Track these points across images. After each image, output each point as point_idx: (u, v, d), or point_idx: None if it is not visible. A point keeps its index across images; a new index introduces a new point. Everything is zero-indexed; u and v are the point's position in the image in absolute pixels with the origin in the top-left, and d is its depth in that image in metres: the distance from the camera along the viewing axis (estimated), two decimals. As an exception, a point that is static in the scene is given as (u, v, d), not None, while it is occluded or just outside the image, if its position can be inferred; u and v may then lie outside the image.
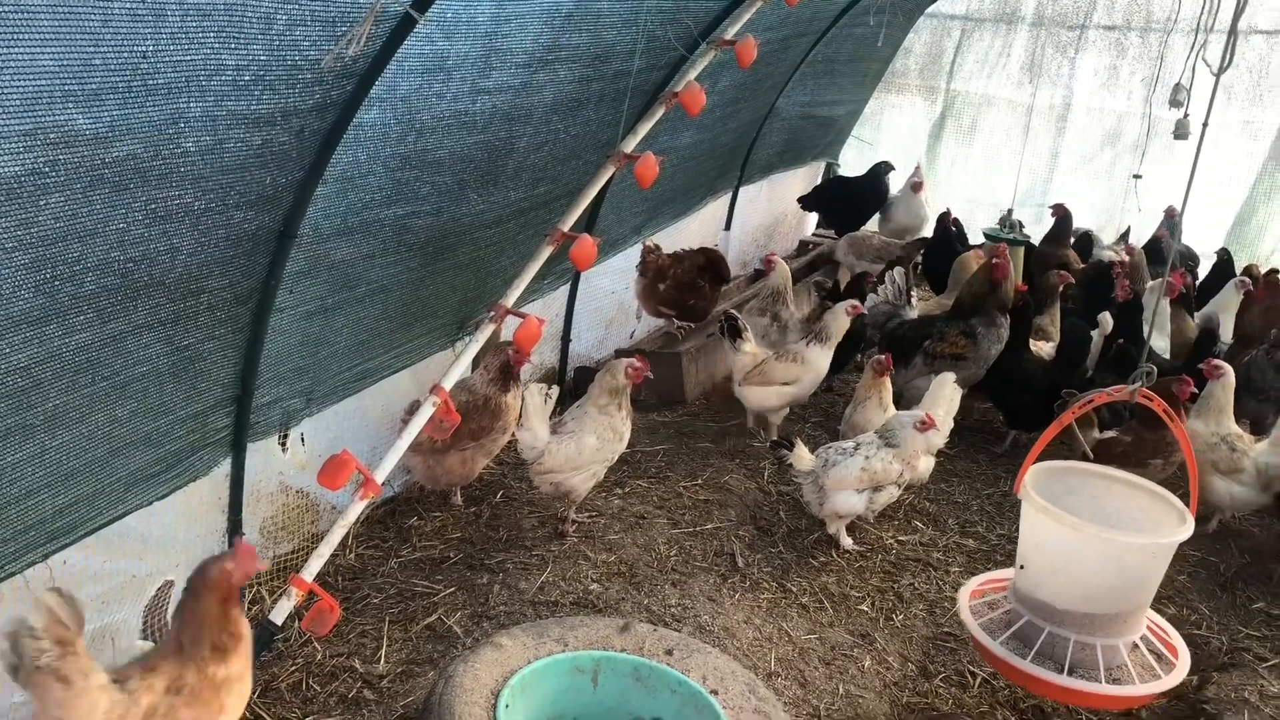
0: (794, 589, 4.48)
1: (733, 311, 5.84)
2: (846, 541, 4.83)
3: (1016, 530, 5.06)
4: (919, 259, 8.47)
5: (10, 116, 2.20)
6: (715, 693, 3.26)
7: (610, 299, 6.63)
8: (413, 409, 4.29)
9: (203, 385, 3.47)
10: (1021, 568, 3.56)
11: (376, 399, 4.57)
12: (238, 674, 2.72)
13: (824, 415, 6.34)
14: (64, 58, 2.22)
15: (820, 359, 5.69)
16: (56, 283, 2.61)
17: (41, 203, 2.41)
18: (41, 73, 2.20)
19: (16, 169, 2.29)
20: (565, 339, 6.22)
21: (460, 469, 4.73)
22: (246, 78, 2.74)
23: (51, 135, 2.33)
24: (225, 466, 3.81)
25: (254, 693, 3.56)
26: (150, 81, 2.45)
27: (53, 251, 2.54)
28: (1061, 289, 6.87)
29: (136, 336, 3.03)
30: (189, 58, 2.51)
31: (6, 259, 2.42)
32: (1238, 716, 3.79)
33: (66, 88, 2.27)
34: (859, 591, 4.56)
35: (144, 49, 2.36)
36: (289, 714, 3.49)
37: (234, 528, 3.87)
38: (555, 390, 4.65)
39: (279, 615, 3.54)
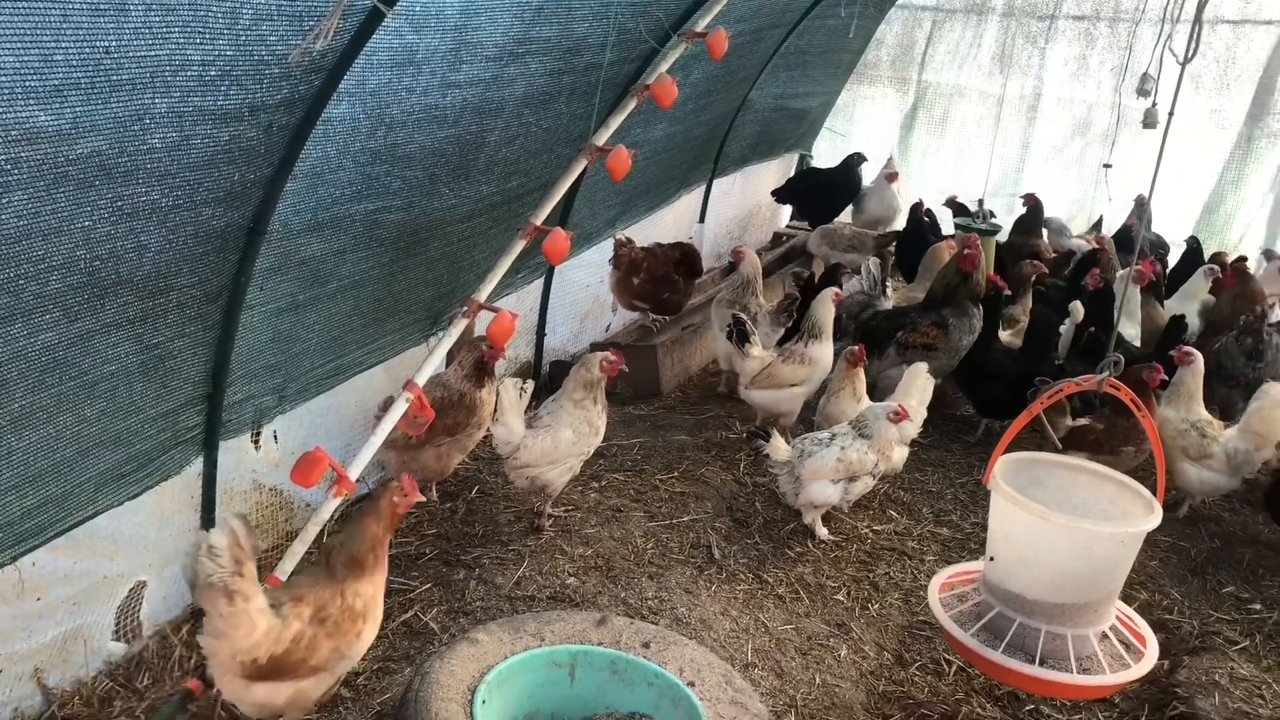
0: (770, 580, 4.49)
1: (740, 315, 5.79)
2: (822, 532, 4.86)
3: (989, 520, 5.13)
4: (893, 249, 8.51)
5: (-30, 113, 2.18)
6: (692, 684, 3.27)
7: (585, 292, 6.62)
8: (386, 405, 4.26)
9: (173, 383, 3.44)
10: (991, 559, 3.58)
11: (350, 395, 4.55)
12: (372, 597, 3.13)
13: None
14: (24, 54, 2.19)
15: (824, 354, 5.66)
16: (21, 281, 2.58)
17: (4, 200, 2.38)
18: (0, 69, 2.17)
19: (-22, 167, 2.26)
20: (540, 333, 6.20)
21: (435, 465, 4.71)
22: (213, 73, 2.71)
23: (13, 132, 2.30)
24: (197, 465, 3.78)
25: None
26: (114, 77, 2.43)
27: (17, 250, 2.51)
28: (1034, 278, 6.92)
29: (104, 335, 3.00)
30: (153, 53, 2.48)
31: (-31, 258, 2.39)
32: (1208, 699, 3.84)
33: (27, 84, 2.25)
34: (835, 581, 4.58)
35: (106, 44, 2.33)
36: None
37: (207, 526, 3.84)
38: (530, 385, 4.63)
39: (253, 614, 3.51)
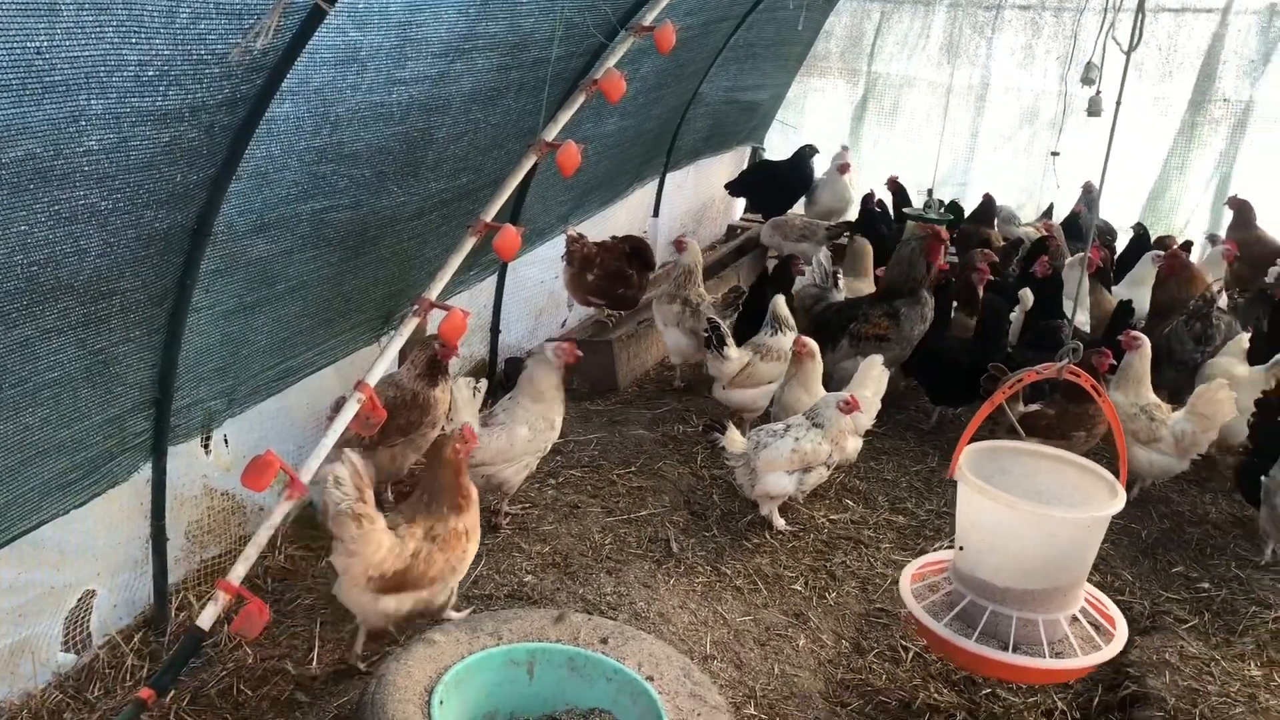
0: (728, 571, 4.51)
1: (714, 319, 5.75)
2: (779, 522, 4.88)
3: (946, 506, 5.19)
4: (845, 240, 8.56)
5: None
6: (651, 679, 3.28)
7: (540, 288, 6.60)
8: (338, 406, 4.22)
9: (119, 389, 3.39)
10: (961, 549, 3.62)
11: (301, 397, 4.50)
12: (472, 525, 3.72)
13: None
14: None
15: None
16: (-45, 289, 2.53)
17: (-66, 206, 2.33)
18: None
19: (-95, 172, 2.21)
20: (494, 330, 6.17)
21: (390, 465, 4.68)
22: (150, 73, 2.67)
23: (-59, 136, 2.25)
24: (146, 471, 3.72)
25: (182, 700, 3.51)
26: (46, 78, 2.38)
27: (-51, 256, 2.46)
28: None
29: (45, 341, 2.94)
30: (87, 53, 2.43)
31: (-101, 265, 2.33)
32: (1159, 678, 3.90)
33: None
34: (792, 571, 4.60)
35: (37, 45, 2.28)
36: (219, 720, 3.43)
37: (158, 533, 3.79)
38: (484, 383, 4.61)
39: (206, 620, 3.46)
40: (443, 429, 4.64)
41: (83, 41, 2.40)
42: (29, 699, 3.41)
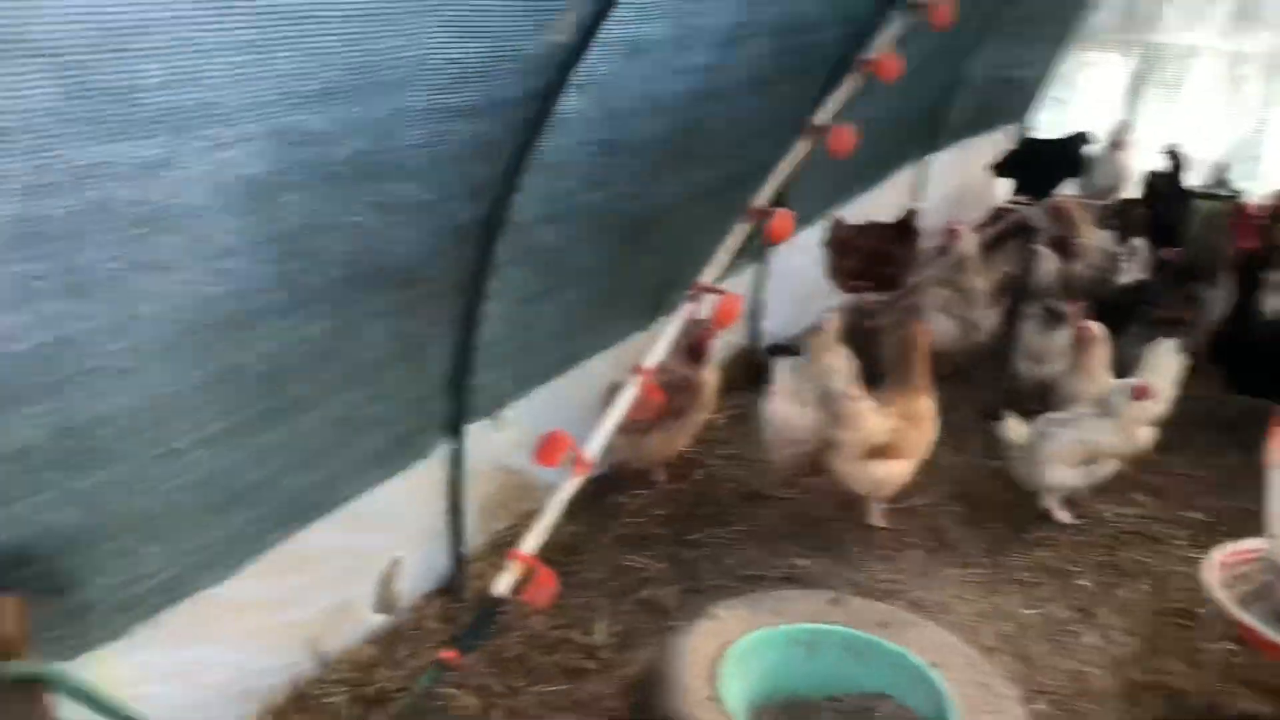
0: (1008, 564, 4.35)
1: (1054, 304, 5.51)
2: (1062, 515, 4.66)
3: (1248, 502, 4.78)
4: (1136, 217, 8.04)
5: (257, 120, 2.37)
6: (935, 665, 3.22)
7: (802, 275, 6.57)
8: (614, 390, 4.39)
9: (424, 370, 3.65)
10: (1275, 536, 3.35)
11: (580, 381, 4.68)
12: (929, 409, 4.48)
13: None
14: (301, 60, 2.37)
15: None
16: (299, 275, 2.80)
17: (283, 200, 2.59)
18: (281, 75, 2.36)
19: (263, 168, 2.47)
20: (755, 318, 6.20)
21: (662, 447, 4.81)
22: (458, 70, 2.86)
23: (290, 136, 2.49)
24: (445, 448, 3.98)
25: (480, 663, 3.73)
26: (375, 79, 2.59)
27: (295, 246, 2.73)
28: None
29: (368, 325, 3.21)
30: (409, 54, 2.64)
31: (255, 253, 2.61)
32: None
33: (304, 88, 2.43)
34: (1077, 566, 4.38)
35: (372, 47, 2.49)
36: (516, 683, 3.63)
37: (455, 506, 4.05)
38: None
39: (502, 589, 3.68)
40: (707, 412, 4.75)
41: (405, 42, 2.60)
42: (347, 652, 3.72)
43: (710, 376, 4.80)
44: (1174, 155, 8.60)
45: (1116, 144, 8.83)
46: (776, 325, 6.45)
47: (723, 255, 4.02)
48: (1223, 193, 7.53)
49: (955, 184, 8.88)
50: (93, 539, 2.58)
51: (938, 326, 6.14)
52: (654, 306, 5.01)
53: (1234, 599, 3.35)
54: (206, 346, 2.63)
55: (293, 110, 2.44)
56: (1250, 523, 4.54)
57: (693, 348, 4.72)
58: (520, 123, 3.31)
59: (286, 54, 2.31)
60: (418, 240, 3.24)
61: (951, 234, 6.30)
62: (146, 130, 2.13)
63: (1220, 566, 3.51)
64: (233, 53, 2.19)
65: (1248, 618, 3.28)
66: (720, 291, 3.97)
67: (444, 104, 2.89)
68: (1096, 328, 5.12)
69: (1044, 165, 9.03)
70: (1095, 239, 6.52)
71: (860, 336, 5.92)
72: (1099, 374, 5.08)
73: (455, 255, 3.49)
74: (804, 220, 6.21)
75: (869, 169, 6.91)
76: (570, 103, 3.46)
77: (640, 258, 4.57)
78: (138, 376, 2.48)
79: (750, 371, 6.19)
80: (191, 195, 2.31)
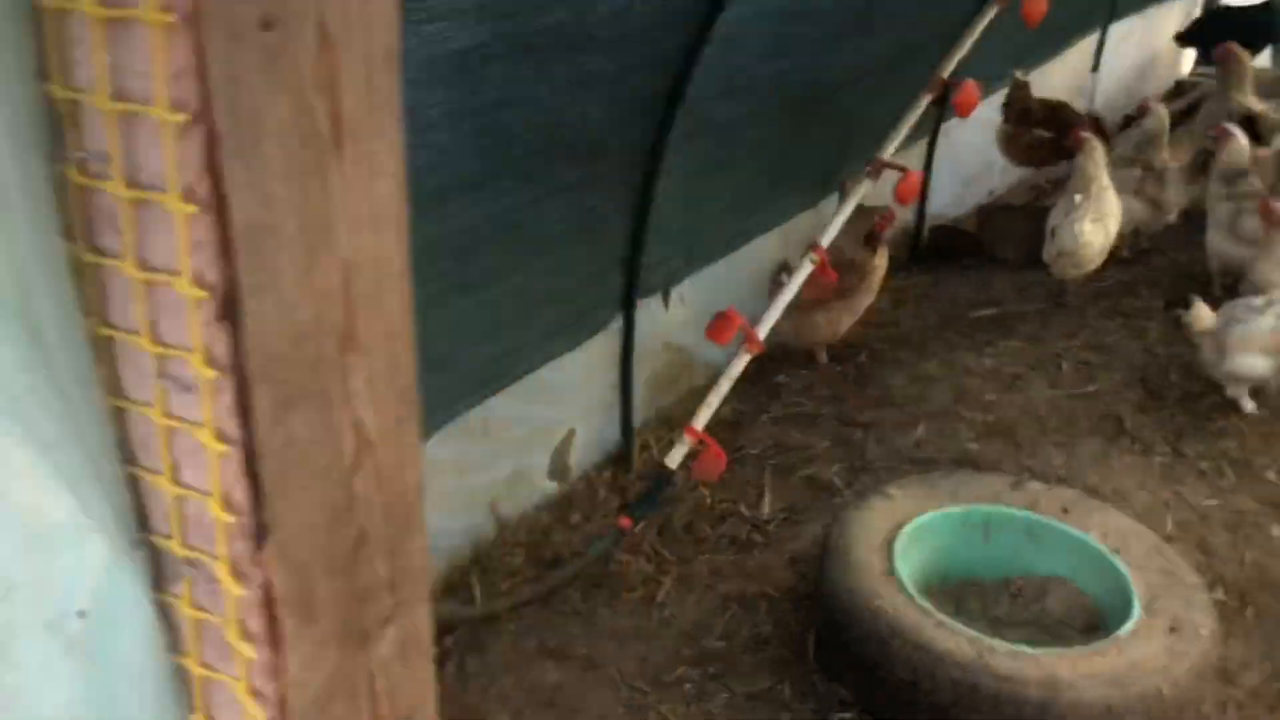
0: (1190, 453, 4.21)
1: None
2: (1249, 405, 4.45)
3: None
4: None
5: (462, -8, 2.38)
6: (1116, 551, 3.17)
7: (972, 153, 6.33)
8: (783, 268, 4.36)
9: (602, 245, 3.69)
10: None
11: (747, 259, 4.67)
12: None
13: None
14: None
15: None
16: (492, 148, 2.84)
17: (485, 72, 2.61)
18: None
19: (466, 42, 2.48)
20: (922, 196, 6.02)
21: (827, 328, 4.77)
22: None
23: (494, 8, 2.50)
24: (617, 323, 4.04)
25: (651, 531, 3.84)
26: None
27: (490, 119, 2.76)
28: None
29: (551, 199, 3.25)
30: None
31: (457, 126, 2.65)
32: None
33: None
34: (1265, 458, 4.20)
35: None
36: (686, 552, 3.74)
37: (626, 380, 4.13)
38: None
39: (674, 460, 3.78)
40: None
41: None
42: (525, 517, 3.89)
43: (882, 261, 4.71)
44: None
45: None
46: (940, 205, 6.26)
47: (903, 129, 3.89)
48: None
49: (1136, 56, 8.35)
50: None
51: (1126, 207, 5.86)
52: (823, 184, 4.92)
53: None
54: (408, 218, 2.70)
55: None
56: None
57: (870, 233, 4.63)
58: (706, -8, 3.24)
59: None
60: (602, 114, 3.23)
61: (1141, 108, 5.94)
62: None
63: None
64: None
65: None
66: (901, 168, 3.86)
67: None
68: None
69: (1234, 34, 8.38)
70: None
71: (1034, 215, 5.71)
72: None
73: (636, 130, 3.48)
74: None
75: (1045, 39, 6.53)
76: (753, -31, 3.37)
77: (814, 133, 4.46)
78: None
79: (914, 252, 6.07)
80: (404, 69, 2.34)
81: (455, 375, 3.27)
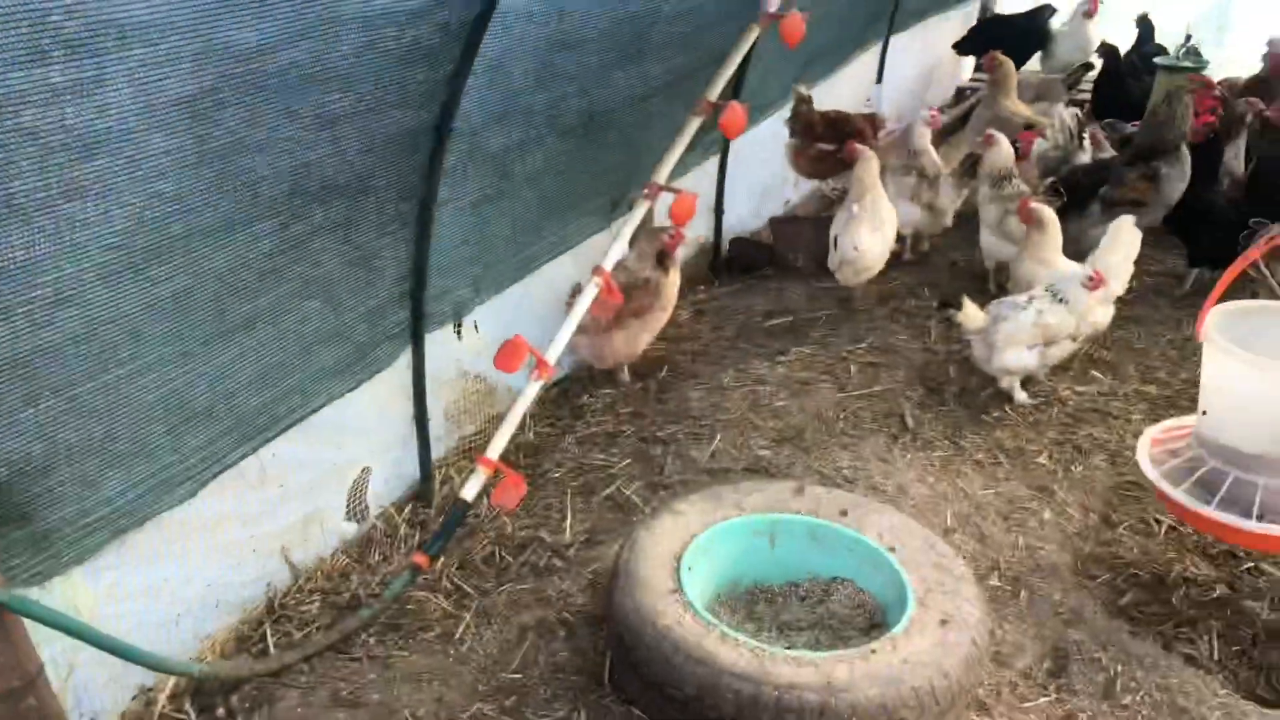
0: (967, 446, 4.44)
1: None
2: (1021, 396, 4.74)
3: (1200, 375, 4.88)
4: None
5: (183, 38, 2.31)
6: (893, 549, 3.31)
7: (763, 168, 6.53)
8: (576, 291, 4.40)
9: (379, 281, 3.63)
10: (1204, 413, 3.44)
11: (541, 284, 4.68)
12: None
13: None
14: (223, -27, 2.30)
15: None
16: (238, 192, 2.76)
17: (218, 117, 2.54)
18: (206, -10, 2.29)
19: (194, 87, 2.41)
20: (719, 210, 6.18)
21: (625, 347, 4.83)
22: (393, -26, 2.78)
23: (220, 52, 2.43)
24: (407, 357, 3.99)
25: (451, 565, 3.80)
26: (303, -12, 2.53)
27: (232, 163, 2.68)
28: (1250, 117, 6.38)
29: (315, 239, 3.18)
30: (337, -40, 2.56)
31: (193, 173, 2.57)
32: None
33: (229, 2, 2.36)
34: (1035, 445, 4.48)
35: (295, -43, 2.42)
36: (486, 584, 3.71)
37: (420, 414, 4.08)
38: None
39: (470, 492, 3.75)
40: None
41: (332, -50, 2.53)
42: (321, 562, 3.79)
43: (674, 277, 4.81)
44: (1143, 24, 8.52)
45: (1086, 12, 8.69)
46: (738, 218, 6.43)
47: (676, 151, 3.98)
48: (1188, 64, 7.45)
49: (918, 65, 8.78)
50: (50, 466, 2.59)
51: (905, 212, 6.15)
52: (612, 205, 4.98)
53: (1167, 476, 3.45)
54: (149, 270, 2.61)
55: (218, 26, 2.37)
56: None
57: (660, 252, 4.71)
58: (461, 25, 3.23)
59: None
60: (363, 150, 3.19)
61: (933, 121, 6.17)
62: (66, 54, 2.08)
63: (1153, 443, 3.60)
64: (149, -31, 2.12)
65: (1178, 494, 3.38)
66: (676, 190, 3.94)
67: (379, 8, 2.82)
68: (1044, 210, 5.13)
69: (1008, 41, 8.90)
70: (1058, 116, 6.47)
71: (820, 224, 5.93)
72: (1052, 256, 5.11)
73: (404, 163, 3.44)
74: (764, 110, 6.16)
75: (828, 55, 6.81)
76: (515, 1, 3.38)
77: (595, 156, 4.52)
78: (79, 303, 2.46)
79: (715, 265, 6.22)
80: (120, 118, 2.27)
81: (225, 424, 3.16)
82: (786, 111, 6.29)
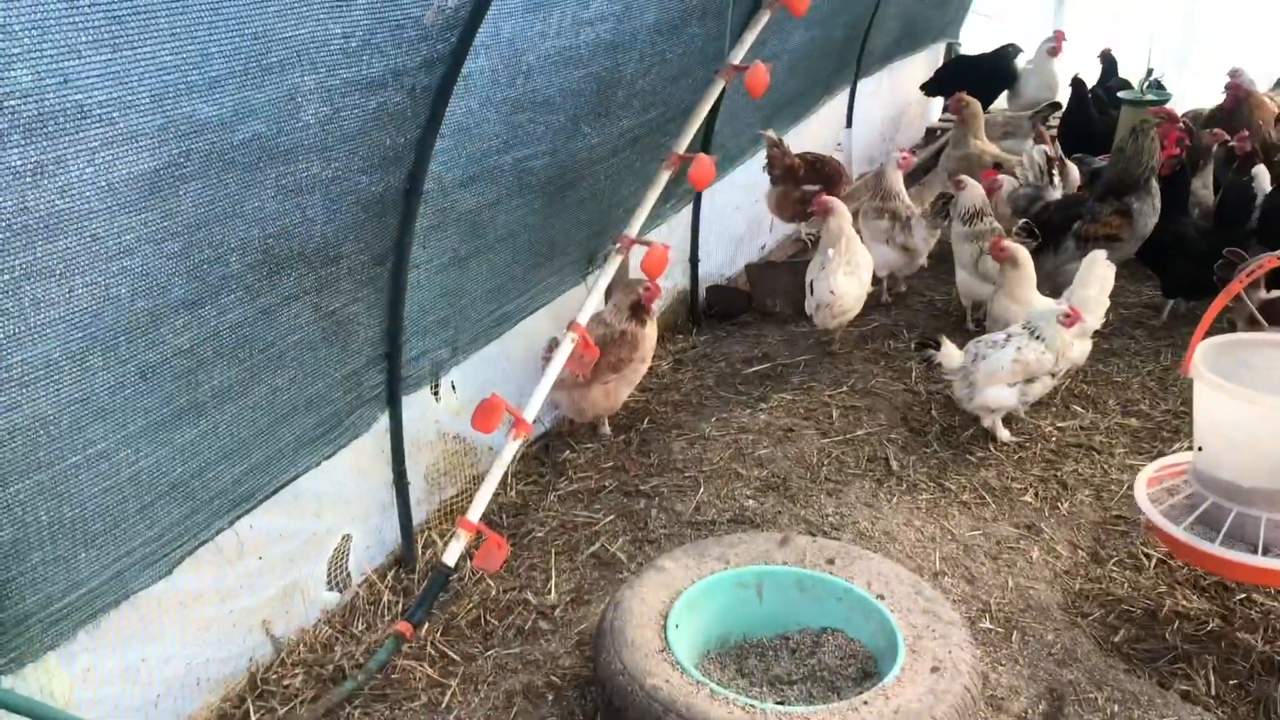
0: (953, 487, 4.42)
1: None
2: (1004, 434, 4.73)
3: (1183, 406, 4.90)
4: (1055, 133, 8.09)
5: (142, 115, 2.30)
6: (881, 596, 3.28)
7: (736, 214, 6.56)
8: (552, 347, 4.38)
9: (353, 346, 3.60)
10: (1200, 450, 3.43)
11: (518, 341, 4.67)
12: None
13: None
14: (182, 50, 2.30)
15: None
16: (205, 266, 2.74)
17: (181, 192, 2.52)
18: (164, 69, 2.29)
19: (155, 164, 2.40)
20: (694, 260, 6.18)
21: (605, 401, 4.81)
22: (354, 44, 2.79)
23: (182, 127, 2.43)
24: (384, 421, 3.95)
25: (435, 632, 3.74)
26: (264, 61, 2.53)
27: (198, 237, 2.66)
28: (1215, 148, 6.48)
29: (286, 308, 3.16)
30: (298, 32, 2.57)
31: (158, 249, 2.55)
32: None
33: (189, 79, 2.36)
34: (1020, 483, 4.47)
35: (254, 30, 2.42)
36: (471, 649, 3.65)
37: (399, 478, 4.04)
38: None
39: (451, 557, 3.71)
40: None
41: (294, 21, 2.53)
42: (303, 634, 3.73)
43: (651, 329, 4.80)
44: (1107, 60, 8.64)
45: (1051, 51, 8.81)
46: (715, 266, 6.44)
47: (646, 205, 3.99)
48: (1152, 98, 7.56)
49: (887, 108, 8.87)
50: (22, 549, 2.54)
51: (880, 255, 6.17)
52: (586, 260, 4.98)
53: (1167, 514, 3.44)
54: (117, 348, 2.58)
55: (178, 102, 2.37)
56: (1186, 425, 4.67)
57: (635, 305, 4.71)
58: (426, 89, 3.25)
59: (161, 46, 2.23)
60: (332, 217, 3.18)
61: (903, 162, 6.20)
62: (22, 136, 2.06)
63: (1149, 483, 3.59)
64: (105, 50, 2.12)
65: (1181, 533, 3.36)
66: (647, 243, 3.95)
67: (341, 79, 2.83)
68: (1018, 248, 5.16)
69: (974, 81, 9.02)
70: (1028, 153, 6.53)
71: (795, 270, 5.95)
72: (1027, 294, 5.13)
73: (374, 227, 3.43)
74: (735, 160, 6.20)
75: (796, 102, 6.87)
76: (478, 64, 3.40)
77: (567, 212, 4.52)
78: (47, 384, 2.43)
79: (693, 313, 6.22)
80: (79, 198, 2.25)
81: (199, 500, 3.11)
82: (758, 160, 6.32)
